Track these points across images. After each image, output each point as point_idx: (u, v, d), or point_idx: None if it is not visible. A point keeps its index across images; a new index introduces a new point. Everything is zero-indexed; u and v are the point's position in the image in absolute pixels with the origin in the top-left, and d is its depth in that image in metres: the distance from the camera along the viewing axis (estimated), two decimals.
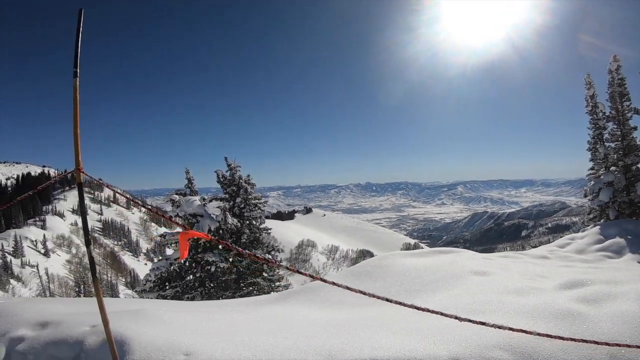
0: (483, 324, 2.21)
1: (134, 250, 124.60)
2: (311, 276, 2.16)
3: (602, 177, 12.08)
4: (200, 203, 12.29)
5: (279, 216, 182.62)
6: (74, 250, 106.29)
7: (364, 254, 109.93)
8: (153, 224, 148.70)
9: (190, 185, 13.60)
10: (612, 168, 12.07)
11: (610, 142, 12.29)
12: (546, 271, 5.21)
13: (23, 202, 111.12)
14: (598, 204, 12.20)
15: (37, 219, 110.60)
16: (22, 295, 63.73)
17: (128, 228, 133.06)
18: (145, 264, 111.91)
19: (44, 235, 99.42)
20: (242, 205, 13.73)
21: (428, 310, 2.08)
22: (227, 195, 13.75)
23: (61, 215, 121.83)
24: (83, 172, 2.07)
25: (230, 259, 12.84)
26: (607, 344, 2.39)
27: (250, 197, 13.81)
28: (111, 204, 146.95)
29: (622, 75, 12.04)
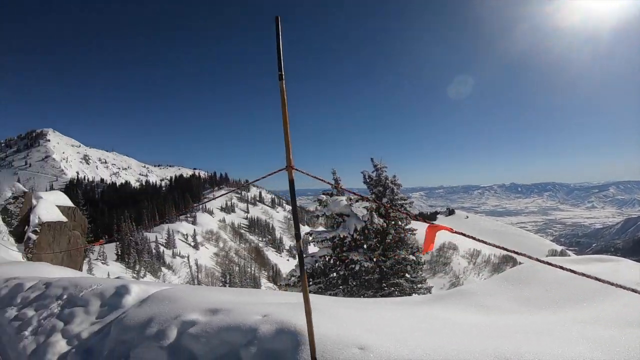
0: None
1: (277, 246, 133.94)
2: (538, 259, 1.91)
3: None
4: (346, 203, 12.64)
5: (421, 217, 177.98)
6: (221, 245, 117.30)
7: (507, 260, 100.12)
8: None
9: (336, 185, 14.13)
10: None
11: None
12: None
13: (176, 200, 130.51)
14: None
15: (189, 215, 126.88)
16: (171, 282, 70.47)
17: (272, 225, 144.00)
18: (287, 260, 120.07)
19: (194, 230, 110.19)
20: (389, 206, 13.68)
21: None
22: (373, 196, 13.89)
23: (210, 213, 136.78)
24: (294, 169, 2.19)
25: (374, 259, 12.88)
26: None
27: (396, 197, 13.78)
28: (257, 202, 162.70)
29: None
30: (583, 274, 1.69)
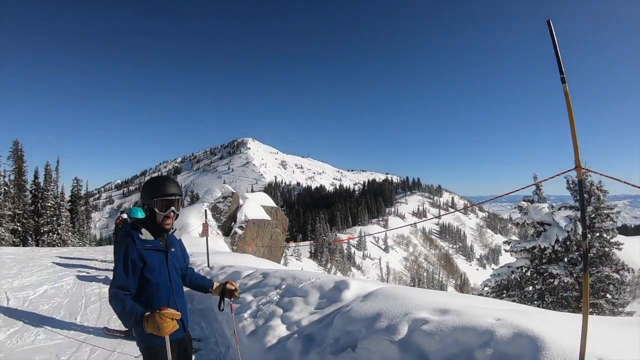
0: None
1: (467, 254, 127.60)
2: None
3: None
4: (548, 211, 11.75)
5: (624, 230, 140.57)
6: (410, 249, 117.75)
7: None
8: (489, 230, 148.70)
9: (538, 191, 13.11)
10: None
11: None
12: None
13: (368, 204, 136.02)
14: None
15: (380, 218, 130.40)
16: None
17: (464, 232, 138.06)
18: (477, 270, 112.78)
19: (385, 234, 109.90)
20: (593, 215, 12.12)
21: None
22: (577, 204, 12.40)
23: (402, 217, 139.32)
24: (584, 169, 2.29)
25: (574, 274, 11.50)
26: None
27: (602, 205, 12.19)
28: (449, 208, 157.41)
29: None
30: None
